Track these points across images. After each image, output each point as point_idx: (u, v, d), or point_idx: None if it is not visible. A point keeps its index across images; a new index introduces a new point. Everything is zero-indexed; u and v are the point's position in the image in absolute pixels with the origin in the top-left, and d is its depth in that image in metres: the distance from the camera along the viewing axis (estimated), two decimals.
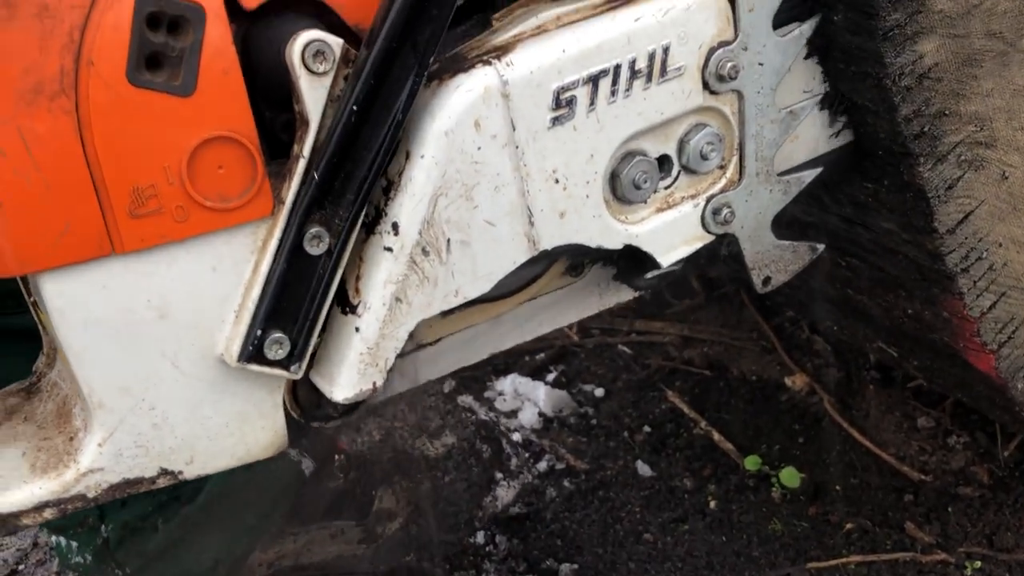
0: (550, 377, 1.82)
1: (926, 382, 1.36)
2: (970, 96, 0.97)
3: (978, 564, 1.36)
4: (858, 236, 1.10)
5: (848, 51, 0.94)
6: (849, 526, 1.43)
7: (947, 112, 0.96)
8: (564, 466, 1.60)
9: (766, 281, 1.01)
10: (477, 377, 1.82)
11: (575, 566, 1.42)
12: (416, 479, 1.38)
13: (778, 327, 1.82)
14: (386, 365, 0.82)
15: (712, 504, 1.50)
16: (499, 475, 1.41)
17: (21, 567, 1.53)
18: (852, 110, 0.99)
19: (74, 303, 0.71)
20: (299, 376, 0.80)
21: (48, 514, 0.76)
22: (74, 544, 1.20)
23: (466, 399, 1.77)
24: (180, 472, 0.80)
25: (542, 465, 1.60)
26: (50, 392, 0.86)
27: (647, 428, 1.67)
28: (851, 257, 1.16)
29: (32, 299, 0.81)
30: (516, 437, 1.67)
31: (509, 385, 1.78)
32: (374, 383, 0.82)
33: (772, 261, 1.00)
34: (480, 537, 1.47)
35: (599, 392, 1.77)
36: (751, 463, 1.55)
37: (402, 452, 1.55)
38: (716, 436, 1.61)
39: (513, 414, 1.73)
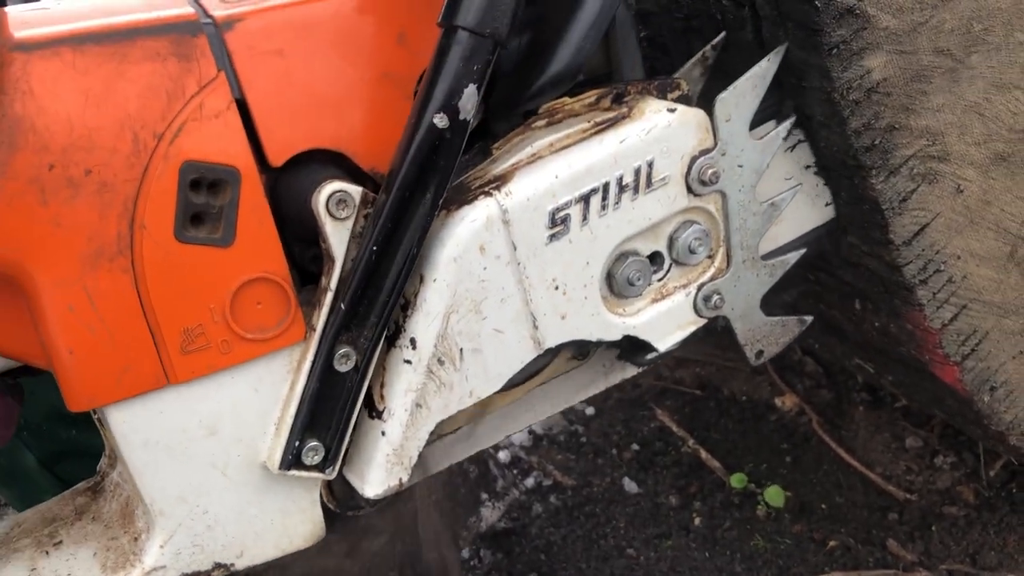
0: None
1: (904, 398, 1.41)
2: (920, 111, 0.99)
3: None
4: (823, 250, 1.14)
5: (798, 66, 0.98)
6: (832, 543, 1.49)
7: (897, 126, 0.99)
8: (551, 482, 1.67)
9: (759, 355, 1.09)
10: None
11: None
12: (403, 496, 1.43)
13: None
14: (411, 463, 0.91)
15: (697, 521, 1.56)
16: (485, 495, 1.46)
17: None
18: (806, 123, 1.03)
19: (135, 428, 0.82)
20: (333, 477, 0.90)
21: None
22: None
23: None
24: (232, 564, 0.90)
25: (529, 481, 1.67)
26: (113, 492, 0.96)
27: (635, 446, 1.73)
28: (819, 271, 1.19)
29: (97, 417, 0.91)
30: (503, 456, 1.72)
31: None
32: (400, 479, 0.91)
33: (763, 336, 1.08)
34: (465, 552, 1.53)
35: (590, 411, 1.84)
36: (737, 481, 1.61)
37: None
38: (704, 454, 1.67)
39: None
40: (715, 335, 1.04)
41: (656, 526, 1.57)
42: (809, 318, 1.11)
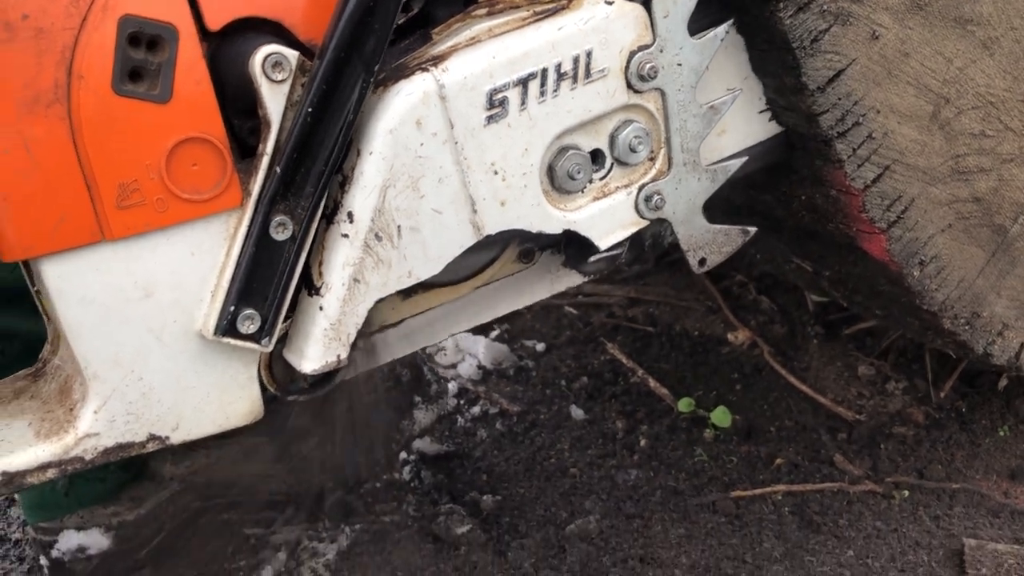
0: (493, 334, 1.91)
1: (844, 301, 1.41)
2: None
3: (906, 493, 1.43)
4: (770, 165, 1.14)
5: None
6: (779, 461, 1.50)
7: None
8: (497, 410, 1.68)
9: (702, 262, 1.10)
10: None
11: (498, 498, 1.48)
12: (332, 399, 1.41)
13: (725, 290, 1.92)
14: (348, 340, 0.92)
15: (642, 443, 1.58)
16: (418, 399, 1.46)
17: None
18: None
19: (71, 284, 0.83)
20: (269, 349, 0.91)
21: (50, 473, 0.87)
22: None
23: None
24: (167, 438, 0.91)
25: (475, 410, 1.68)
26: (54, 374, 0.97)
27: (584, 378, 1.74)
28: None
29: (35, 288, 0.93)
30: (452, 387, 1.74)
31: (451, 340, 1.84)
32: (338, 356, 0.92)
33: (706, 243, 1.10)
34: (406, 472, 1.54)
35: (540, 347, 1.86)
36: (684, 405, 1.63)
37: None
38: (652, 383, 1.69)
39: (453, 367, 1.81)
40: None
41: (600, 448, 1.58)
42: (753, 229, 1.12)
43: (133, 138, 0.81)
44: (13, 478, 0.85)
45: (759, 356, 1.76)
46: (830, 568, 1.34)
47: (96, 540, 1.32)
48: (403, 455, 1.59)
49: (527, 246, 1.07)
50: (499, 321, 1.97)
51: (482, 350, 1.87)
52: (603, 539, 1.42)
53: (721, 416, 1.61)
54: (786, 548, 1.38)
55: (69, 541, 1.32)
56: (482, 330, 1.95)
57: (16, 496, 1.59)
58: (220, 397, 0.92)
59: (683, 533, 1.42)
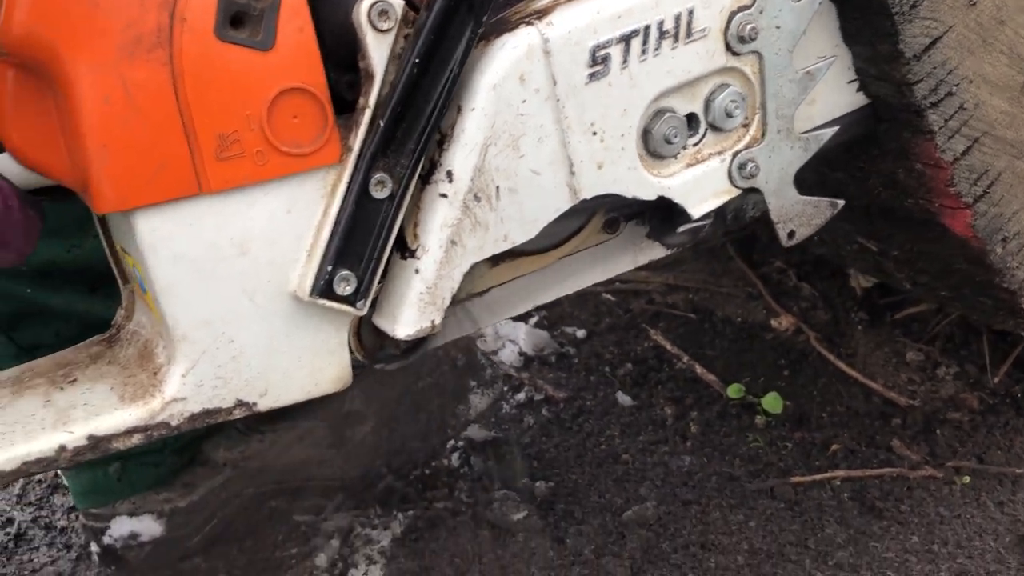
0: (532, 321, 1.87)
1: (906, 283, 1.38)
2: None
3: (967, 479, 1.40)
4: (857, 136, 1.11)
5: None
6: (835, 447, 1.48)
7: None
8: (542, 397, 1.65)
9: (791, 235, 1.08)
10: None
11: (551, 484, 1.45)
12: (387, 383, 1.35)
13: (765, 276, 1.88)
14: (443, 304, 0.89)
15: (693, 429, 1.55)
16: (473, 383, 1.43)
17: None
18: None
19: (164, 239, 0.79)
20: (363, 312, 0.87)
21: (136, 439, 0.83)
22: None
23: None
24: (255, 404, 0.87)
25: (520, 396, 1.65)
26: (130, 340, 0.93)
27: (629, 364, 1.71)
28: None
29: (116, 248, 0.89)
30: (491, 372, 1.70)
31: (490, 327, 1.81)
32: (432, 321, 0.89)
33: (796, 215, 1.07)
34: (454, 459, 1.51)
35: (581, 333, 1.82)
36: (734, 391, 1.60)
37: None
38: (699, 370, 1.66)
39: (494, 354, 1.78)
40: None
41: (651, 434, 1.55)
42: (840, 202, 1.10)
43: (234, 87, 0.77)
44: (99, 442, 0.81)
45: (804, 342, 1.73)
46: (896, 554, 1.32)
47: (148, 527, 1.28)
48: (451, 442, 1.56)
49: (613, 215, 1.04)
50: (537, 308, 1.94)
51: (523, 337, 1.83)
52: (661, 525, 1.39)
53: (772, 402, 1.59)
54: (849, 534, 1.35)
55: (121, 528, 1.27)
56: (522, 317, 1.92)
57: (62, 482, 1.54)
58: (310, 362, 0.88)
59: (742, 519, 1.39)
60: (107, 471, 1.26)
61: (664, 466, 1.50)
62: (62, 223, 1.11)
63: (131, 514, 1.28)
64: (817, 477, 1.44)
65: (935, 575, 1.28)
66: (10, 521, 1.50)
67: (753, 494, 1.43)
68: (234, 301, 0.83)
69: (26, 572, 1.39)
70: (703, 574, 1.31)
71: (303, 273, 0.84)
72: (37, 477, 1.59)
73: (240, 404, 0.86)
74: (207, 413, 0.85)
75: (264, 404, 0.87)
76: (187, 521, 1.30)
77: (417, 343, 0.93)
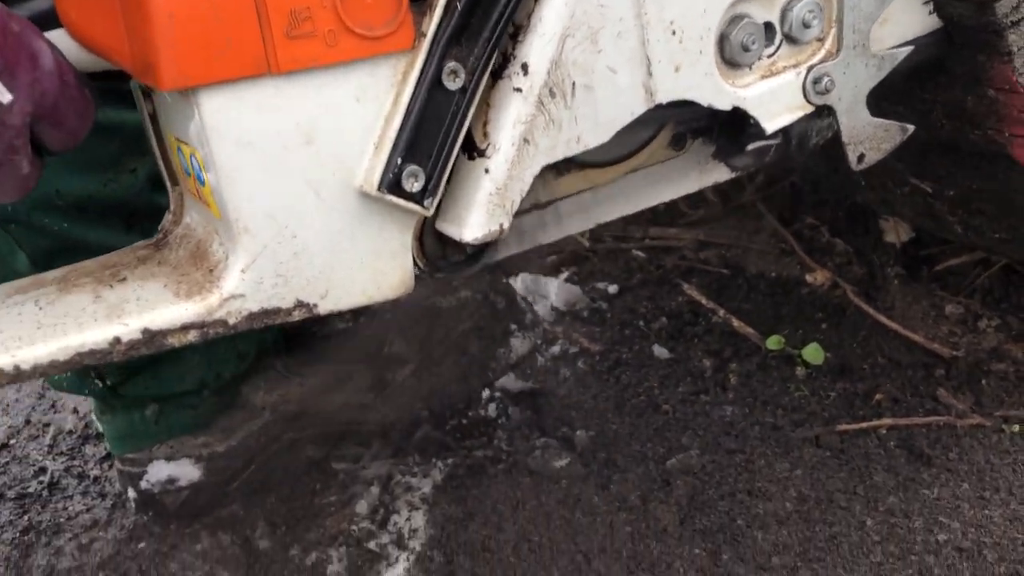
0: (563, 276, 1.84)
1: (957, 227, 1.34)
2: None
3: (1016, 428, 1.37)
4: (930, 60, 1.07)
5: None
6: (879, 396, 1.44)
7: None
8: (577, 350, 1.61)
9: (860, 158, 1.04)
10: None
11: (591, 433, 1.42)
12: (427, 325, 1.31)
13: (796, 233, 1.85)
14: (512, 208, 0.85)
15: (733, 380, 1.51)
16: (514, 327, 1.40)
17: (12, 442, 1.53)
18: None
19: (229, 121, 0.75)
20: (430, 213, 0.83)
21: (192, 336, 0.79)
22: None
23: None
24: (315, 305, 0.83)
25: (555, 349, 1.61)
26: (179, 243, 0.89)
27: (663, 318, 1.68)
28: None
29: (171, 142, 0.84)
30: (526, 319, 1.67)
31: (520, 282, 1.78)
32: (501, 224, 0.85)
33: (867, 138, 1.03)
34: (492, 410, 1.47)
35: (613, 289, 1.79)
36: (773, 343, 1.56)
37: (412, 301, 1.48)
38: (736, 323, 1.63)
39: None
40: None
41: (691, 385, 1.51)
42: (911, 127, 1.06)
43: None
44: (155, 336, 0.77)
45: (841, 296, 1.69)
46: (947, 501, 1.28)
47: (186, 471, 1.24)
48: (486, 392, 1.52)
49: (680, 131, 1.00)
50: (566, 265, 1.90)
51: (554, 292, 1.79)
52: (706, 473, 1.35)
53: (813, 353, 1.55)
54: (898, 481, 1.32)
55: (159, 472, 1.23)
56: (554, 271, 1.88)
57: (93, 433, 1.50)
58: (373, 264, 0.84)
59: (788, 468, 1.36)
60: (144, 414, 1.22)
61: (706, 416, 1.46)
62: (98, 157, 1.07)
63: (168, 458, 1.24)
64: (863, 425, 1.40)
65: (988, 521, 1.24)
66: (43, 470, 1.46)
67: (798, 443, 1.39)
68: (298, 194, 0.79)
69: (61, 519, 1.34)
70: (752, 520, 1.27)
71: (370, 167, 0.80)
72: (68, 428, 1.55)
73: (300, 305, 0.82)
74: (266, 313, 0.81)
75: (324, 307, 0.83)
76: (225, 466, 1.26)
77: (479, 252, 0.89)
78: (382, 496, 1.32)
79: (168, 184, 0.90)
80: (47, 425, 1.55)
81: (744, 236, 1.92)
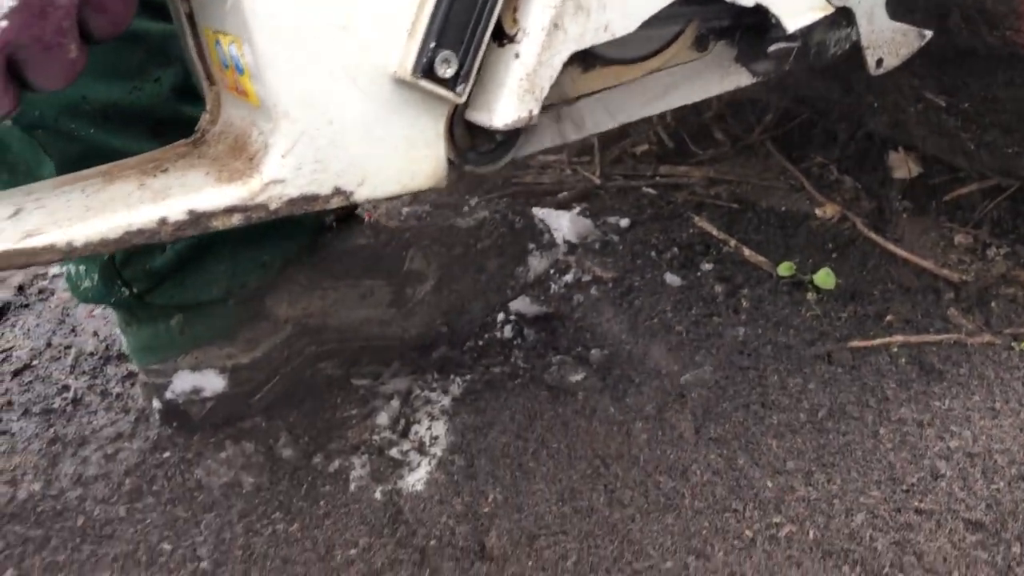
0: (575, 210, 1.87)
1: (974, 145, 1.36)
2: None
3: None
4: None
5: None
6: (890, 318, 1.48)
7: None
8: (590, 278, 1.65)
9: (879, 63, 1.06)
10: None
11: (606, 352, 1.45)
12: (447, 243, 1.34)
13: (805, 171, 1.89)
14: (541, 94, 0.86)
15: (745, 304, 1.55)
16: (532, 246, 1.42)
17: (35, 363, 1.56)
18: None
19: (268, 5, 0.76)
20: (462, 100, 0.85)
21: (236, 219, 0.81)
22: (82, 268, 1.20)
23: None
24: (352, 193, 0.85)
25: (568, 278, 1.65)
26: (217, 140, 0.90)
27: (675, 249, 1.72)
28: None
29: (207, 36, 0.86)
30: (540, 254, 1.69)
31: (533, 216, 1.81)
32: (531, 111, 0.86)
33: (885, 42, 1.05)
34: (507, 331, 1.51)
35: (624, 222, 1.83)
36: (785, 269, 1.61)
37: (432, 222, 1.49)
38: (747, 252, 1.67)
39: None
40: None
41: (703, 309, 1.55)
42: (929, 32, 1.08)
43: None
44: (199, 218, 0.79)
45: (850, 228, 1.73)
46: (959, 412, 1.31)
47: (211, 382, 1.26)
48: (501, 316, 1.55)
49: (704, 31, 1.01)
50: (577, 200, 1.93)
51: (566, 225, 1.82)
52: (720, 387, 1.38)
53: (825, 278, 1.58)
54: (910, 394, 1.35)
55: (183, 382, 1.25)
56: (565, 205, 1.91)
57: (114, 354, 1.52)
58: (407, 153, 0.86)
59: (800, 382, 1.39)
60: (169, 324, 1.24)
61: (719, 336, 1.49)
62: (123, 65, 1.08)
63: (193, 368, 1.25)
64: (875, 342, 1.43)
65: (999, 429, 1.28)
66: (66, 388, 1.48)
67: (810, 360, 1.43)
68: (335, 80, 0.80)
69: (86, 432, 1.37)
70: (766, 429, 1.30)
71: (404, 53, 0.82)
72: (89, 350, 1.57)
73: (338, 192, 0.84)
74: (305, 199, 0.83)
75: (361, 195, 0.85)
76: (249, 378, 1.28)
77: (508, 141, 0.91)
78: (403, 409, 1.35)
79: (204, 85, 0.92)
80: (68, 347, 1.58)
81: (754, 174, 1.95)
